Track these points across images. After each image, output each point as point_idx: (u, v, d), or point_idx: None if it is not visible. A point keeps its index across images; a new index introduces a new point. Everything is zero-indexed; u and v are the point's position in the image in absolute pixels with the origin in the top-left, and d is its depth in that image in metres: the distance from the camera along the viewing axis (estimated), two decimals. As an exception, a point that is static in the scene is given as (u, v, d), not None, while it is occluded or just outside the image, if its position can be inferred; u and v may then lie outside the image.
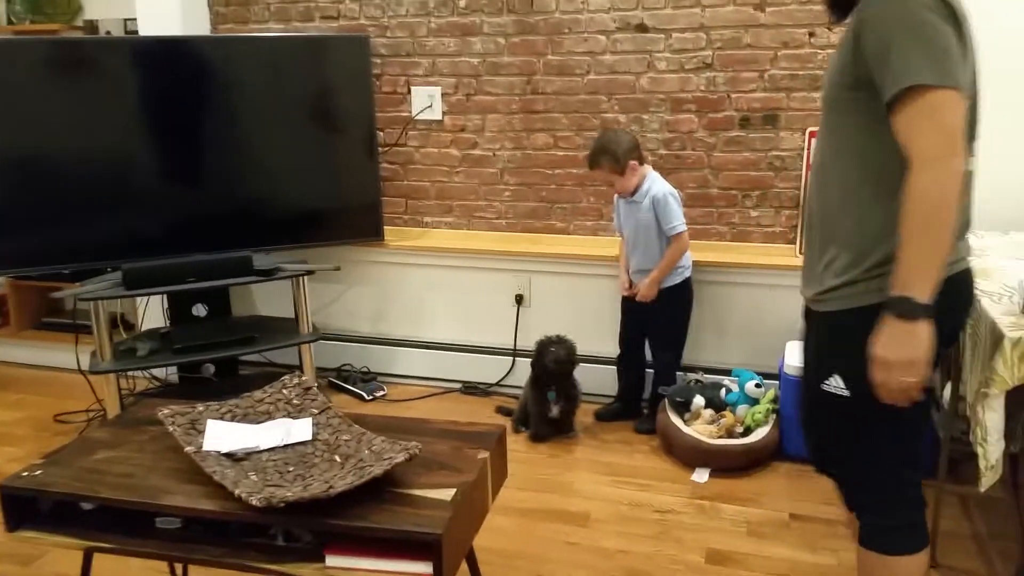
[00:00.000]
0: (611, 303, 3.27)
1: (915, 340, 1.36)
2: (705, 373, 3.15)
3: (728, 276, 3.13)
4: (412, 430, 1.96)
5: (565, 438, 3.09)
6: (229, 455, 1.75)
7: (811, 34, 2.95)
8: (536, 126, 3.34)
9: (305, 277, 3.32)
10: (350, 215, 3.46)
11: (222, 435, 1.81)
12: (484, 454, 1.80)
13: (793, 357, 2.83)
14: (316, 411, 1.97)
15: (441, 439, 1.89)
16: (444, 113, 3.44)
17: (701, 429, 2.84)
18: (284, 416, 1.94)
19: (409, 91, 3.47)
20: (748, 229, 3.17)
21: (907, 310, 1.35)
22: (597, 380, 3.32)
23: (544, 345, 3.03)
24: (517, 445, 3.04)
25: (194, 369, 3.59)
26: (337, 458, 1.75)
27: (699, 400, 2.93)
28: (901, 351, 1.37)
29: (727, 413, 2.91)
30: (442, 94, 3.43)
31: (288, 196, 3.38)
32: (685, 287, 3.02)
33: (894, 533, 1.58)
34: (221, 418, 1.90)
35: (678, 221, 2.89)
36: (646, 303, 3.01)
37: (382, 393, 3.54)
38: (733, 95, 3.08)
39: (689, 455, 2.82)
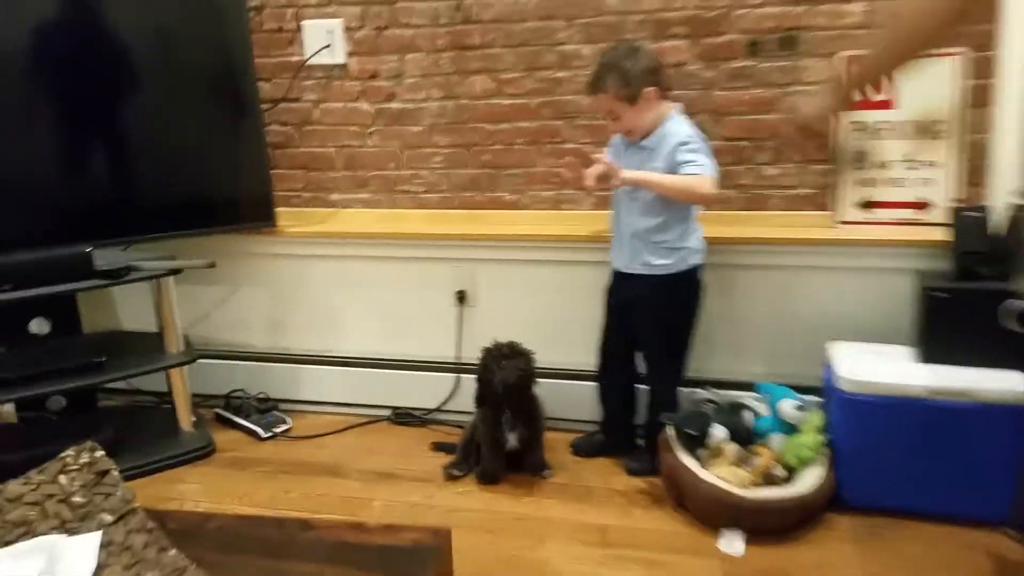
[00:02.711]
0: (583, 299, 2.45)
1: None
2: (716, 388, 2.37)
3: (740, 256, 2.35)
4: (295, 552, 1.12)
5: (538, 478, 2.31)
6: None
7: (846, -81, 2.15)
8: (472, 67, 2.49)
9: (170, 278, 2.49)
10: (230, 194, 2.63)
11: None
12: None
13: (847, 364, 2.05)
14: (110, 517, 1.12)
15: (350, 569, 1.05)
16: (349, 54, 2.58)
17: (727, 473, 2.04)
18: (55, 530, 1.09)
19: (300, 27, 2.59)
20: (764, 193, 2.38)
21: None
22: (570, 402, 2.52)
23: (491, 357, 2.24)
24: (466, 500, 2.21)
25: (40, 404, 2.67)
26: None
27: (719, 431, 2.13)
28: None
29: (761, 449, 2.11)
30: (344, 28, 2.56)
31: (143, 172, 2.52)
32: (692, 279, 2.21)
33: None
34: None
35: (709, 163, 2.07)
36: (633, 294, 2.21)
37: (284, 427, 2.69)
38: (736, 12, 2.27)
39: (713, 512, 2.02)
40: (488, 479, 2.30)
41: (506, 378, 2.20)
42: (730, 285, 2.38)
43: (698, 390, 2.37)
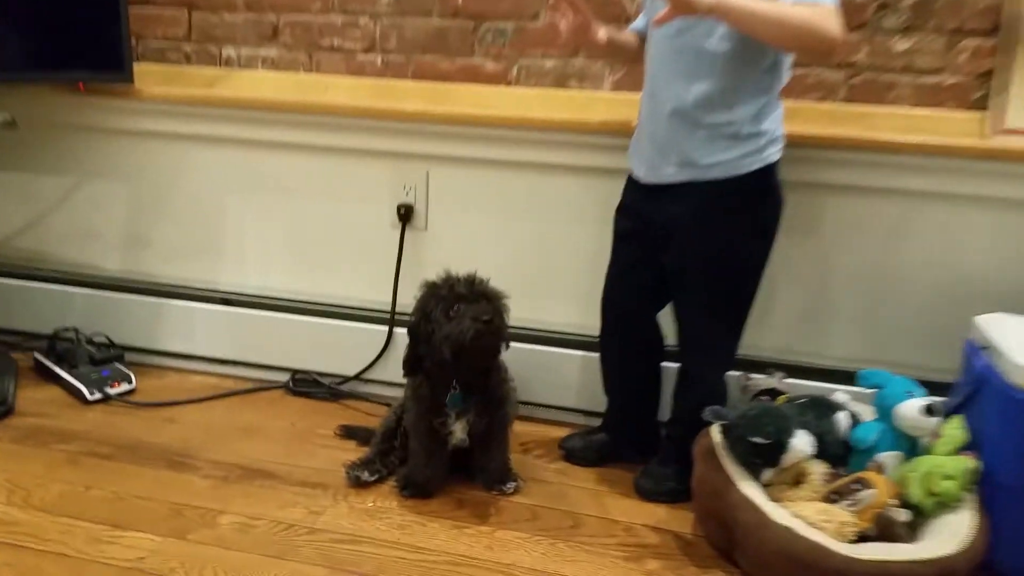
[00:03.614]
0: (590, 224, 1.66)
1: None
2: (788, 375, 1.57)
3: (835, 172, 1.57)
4: None
5: (495, 495, 1.53)
6: None
7: None
8: None
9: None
10: (61, 27, 1.80)
11: None
12: None
13: (1020, 346, 1.28)
14: None
15: None
16: None
17: (815, 513, 1.24)
18: None
19: None
20: (886, 77, 1.58)
21: None
22: (560, 381, 1.77)
23: (437, 297, 1.41)
24: (374, 524, 1.39)
25: None
26: None
27: (802, 442, 1.31)
28: None
29: (870, 475, 1.29)
30: None
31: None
32: (766, 187, 1.40)
33: None
34: None
35: None
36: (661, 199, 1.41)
37: (126, 388, 1.88)
38: None
39: (788, 574, 1.19)
40: (415, 490, 1.50)
41: (458, 332, 1.35)
42: (816, 216, 1.59)
43: (755, 375, 1.58)
